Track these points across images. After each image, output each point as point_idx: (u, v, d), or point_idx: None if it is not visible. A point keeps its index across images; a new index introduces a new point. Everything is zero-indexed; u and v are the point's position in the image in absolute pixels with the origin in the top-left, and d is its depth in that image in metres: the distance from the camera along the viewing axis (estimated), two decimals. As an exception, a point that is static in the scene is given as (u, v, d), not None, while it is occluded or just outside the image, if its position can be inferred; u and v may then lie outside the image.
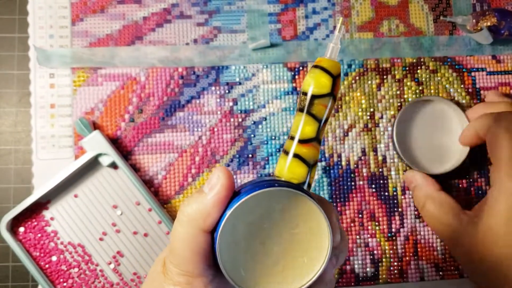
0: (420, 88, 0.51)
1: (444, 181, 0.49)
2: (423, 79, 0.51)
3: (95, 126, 0.48)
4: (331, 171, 0.49)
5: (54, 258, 0.46)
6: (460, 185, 0.50)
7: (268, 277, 0.24)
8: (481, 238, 0.38)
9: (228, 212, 0.23)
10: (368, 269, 0.48)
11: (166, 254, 0.26)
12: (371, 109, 0.50)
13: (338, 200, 0.49)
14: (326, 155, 0.50)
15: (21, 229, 0.46)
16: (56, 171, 0.46)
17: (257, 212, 0.24)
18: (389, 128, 0.50)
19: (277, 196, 0.24)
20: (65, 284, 0.45)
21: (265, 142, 0.49)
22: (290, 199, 0.24)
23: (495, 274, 0.37)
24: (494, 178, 0.40)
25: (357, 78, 0.51)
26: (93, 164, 0.46)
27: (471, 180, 0.50)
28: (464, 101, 0.51)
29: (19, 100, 0.49)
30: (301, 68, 0.50)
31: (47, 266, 0.46)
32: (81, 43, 0.49)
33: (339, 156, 0.50)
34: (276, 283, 0.24)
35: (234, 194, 0.25)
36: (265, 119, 0.50)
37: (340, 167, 0.49)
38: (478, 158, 0.50)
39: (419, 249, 0.49)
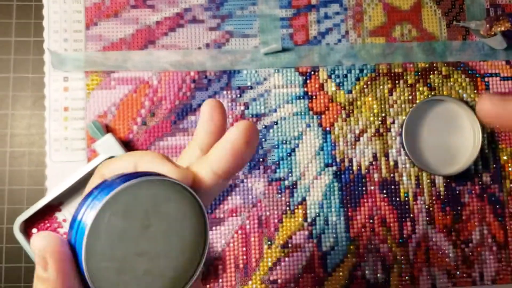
0: (433, 93, 0.51)
1: (455, 186, 0.49)
2: (436, 84, 0.51)
3: (107, 129, 0.48)
4: (342, 176, 0.49)
5: (66, 260, 0.46)
6: (473, 192, 0.49)
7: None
8: None
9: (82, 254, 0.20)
10: (379, 275, 0.48)
11: None
12: (383, 114, 0.50)
13: (349, 205, 0.49)
14: (337, 159, 0.49)
15: (34, 230, 0.46)
16: (69, 173, 0.47)
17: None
18: (400, 131, 0.50)
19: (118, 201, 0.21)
20: (76, 285, 0.46)
21: (276, 146, 0.49)
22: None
23: None
24: None
25: (368, 83, 0.50)
26: (105, 167, 0.47)
27: (484, 186, 0.49)
28: (477, 107, 0.51)
29: (34, 103, 0.49)
30: (312, 72, 0.50)
31: (59, 267, 0.46)
32: (95, 47, 0.50)
33: (350, 161, 0.49)
34: None
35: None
36: (276, 123, 0.50)
37: (351, 172, 0.49)
38: (491, 161, 0.50)
39: (431, 256, 0.48)
